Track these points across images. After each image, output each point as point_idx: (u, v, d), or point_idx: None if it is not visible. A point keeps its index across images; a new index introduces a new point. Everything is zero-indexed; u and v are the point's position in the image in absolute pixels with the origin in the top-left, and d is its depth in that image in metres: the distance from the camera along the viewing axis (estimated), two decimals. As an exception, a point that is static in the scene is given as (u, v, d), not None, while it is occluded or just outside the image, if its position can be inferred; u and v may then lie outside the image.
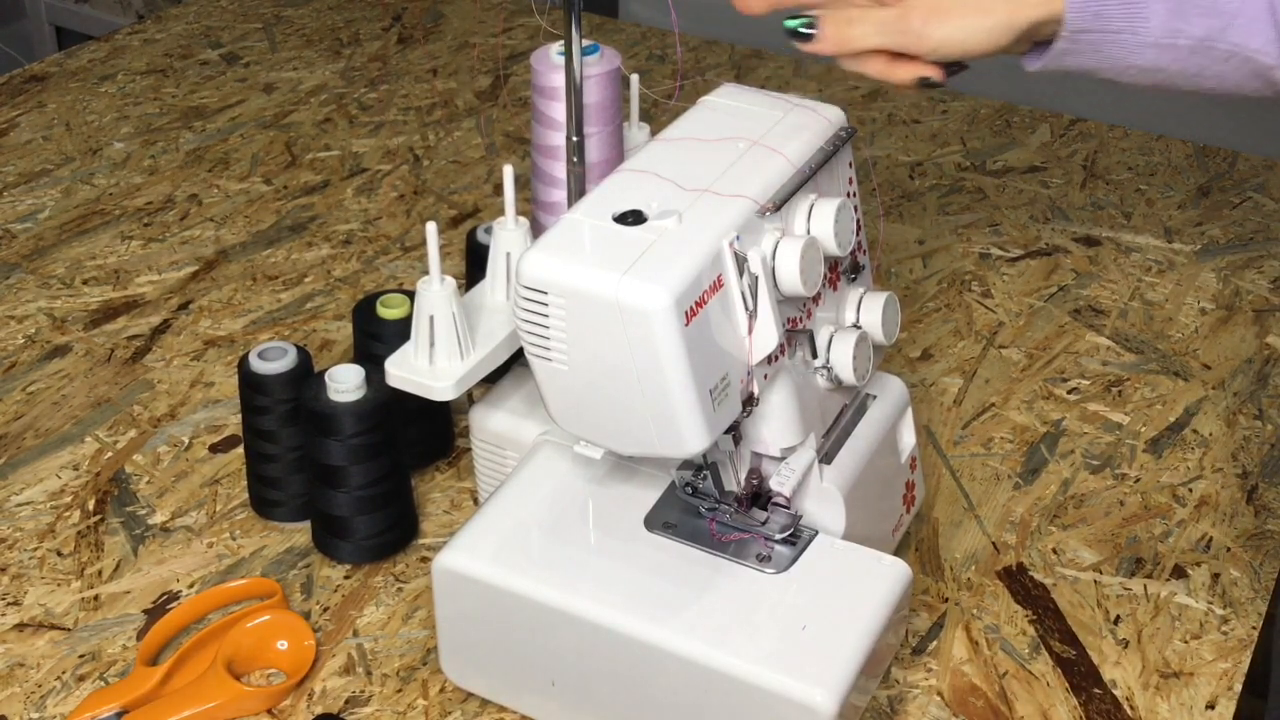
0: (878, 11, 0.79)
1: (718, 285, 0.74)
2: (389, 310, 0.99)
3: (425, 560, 0.97)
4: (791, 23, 0.80)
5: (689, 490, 0.85)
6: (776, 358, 0.81)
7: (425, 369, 0.89)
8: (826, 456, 0.87)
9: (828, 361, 0.84)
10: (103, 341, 1.18)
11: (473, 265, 1.08)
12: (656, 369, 0.73)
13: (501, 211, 0.92)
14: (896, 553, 0.91)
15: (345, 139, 1.48)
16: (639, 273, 0.72)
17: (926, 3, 0.78)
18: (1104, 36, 0.78)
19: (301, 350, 0.97)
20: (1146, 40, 0.77)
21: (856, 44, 0.80)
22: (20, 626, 0.92)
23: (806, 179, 0.81)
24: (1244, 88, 0.79)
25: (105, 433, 1.08)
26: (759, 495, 0.84)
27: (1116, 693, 0.88)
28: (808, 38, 0.80)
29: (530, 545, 0.83)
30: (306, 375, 0.96)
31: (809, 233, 0.80)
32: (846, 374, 0.84)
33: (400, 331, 0.94)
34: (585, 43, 0.87)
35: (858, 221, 0.85)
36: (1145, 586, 0.96)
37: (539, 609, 0.80)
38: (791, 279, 0.77)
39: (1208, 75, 0.79)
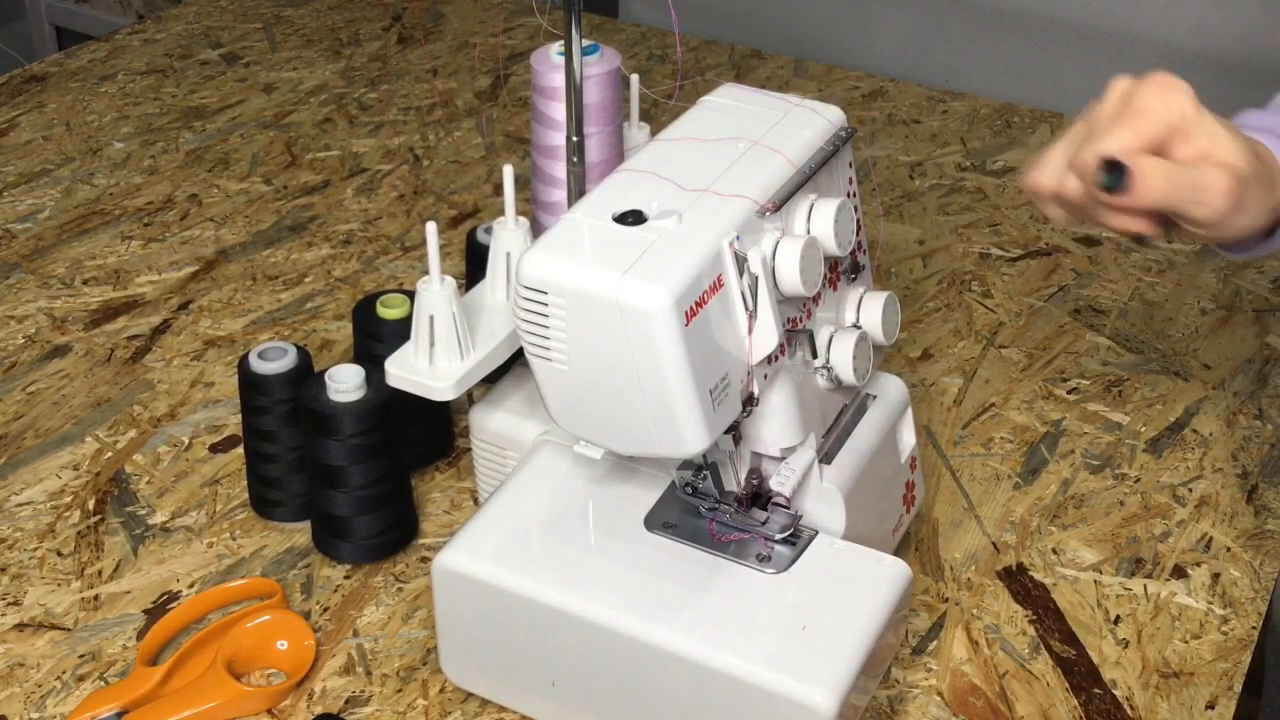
0: (1185, 173, 0.74)
1: (718, 285, 0.74)
2: (389, 310, 0.99)
3: (425, 560, 0.97)
4: (1106, 180, 0.75)
5: (689, 490, 0.85)
6: (776, 358, 0.81)
7: (425, 369, 0.89)
8: (826, 456, 0.87)
9: (828, 361, 0.84)
10: (103, 341, 1.18)
11: (473, 265, 1.08)
12: (656, 369, 0.73)
13: (501, 211, 0.92)
14: (896, 553, 0.91)
15: (345, 139, 1.48)
16: (639, 273, 0.72)
17: (1234, 178, 0.74)
18: None
19: (301, 350, 0.97)
20: None
21: (1161, 202, 0.75)
22: (20, 626, 0.92)
23: (806, 179, 0.81)
24: None
25: (105, 433, 1.08)
26: (759, 495, 0.84)
27: (1116, 693, 0.88)
28: (1119, 187, 0.75)
29: (530, 545, 0.83)
30: (306, 375, 0.96)
31: (809, 233, 0.80)
32: (846, 374, 0.84)
33: (400, 331, 0.94)
34: (585, 43, 0.87)
35: (858, 221, 0.85)
36: (1145, 586, 0.96)
37: (539, 609, 0.80)
38: (791, 279, 0.77)
39: None
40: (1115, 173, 0.74)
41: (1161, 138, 0.75)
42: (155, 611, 0.93)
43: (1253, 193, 0.75)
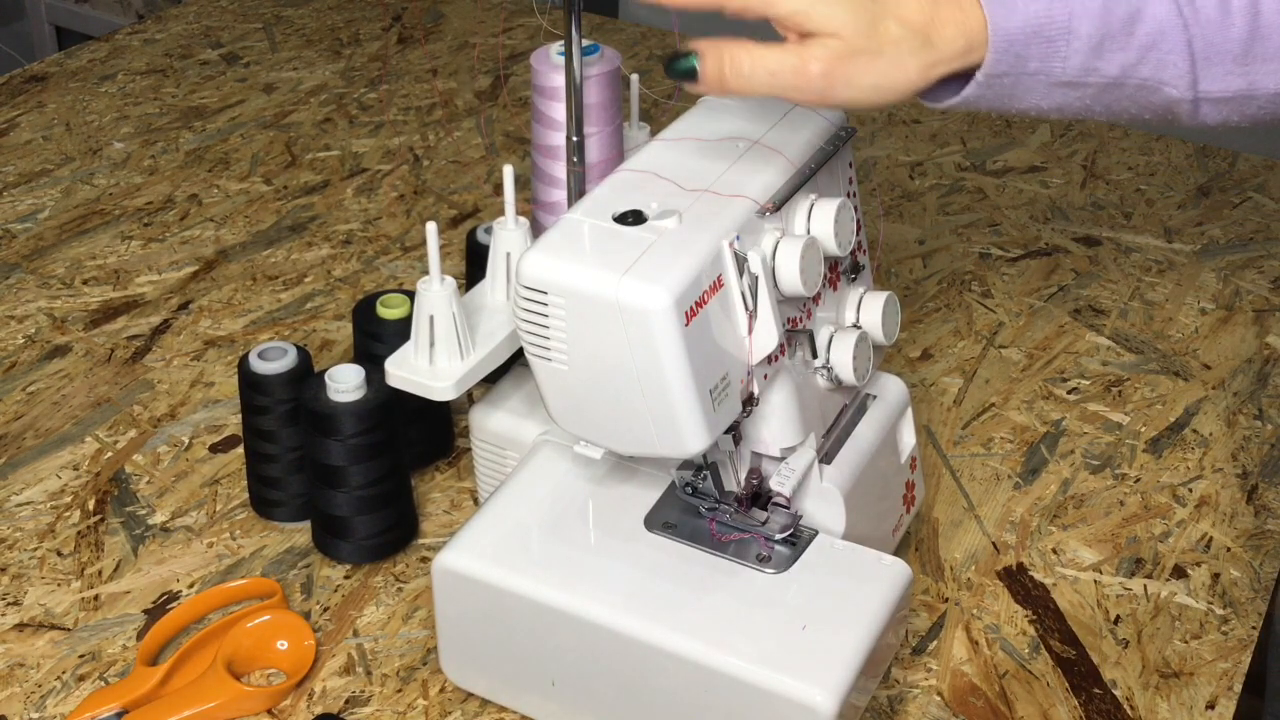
0: (772, 54, 0.71)
1: (718, 285, 0.74)
2: (389, 310, 0.99)
3: (425, 560, 0.97)
4: (677, 65, 0.72)
5: (689, 490, 0.85)
6: (776, 358, 0.81)
7: (425, 369, 0.89)
8: (826, 456, 0.87)
9: (828, 361, 0.84)
10: (103, 341, 1.18)
11: (473, 265, 1.08)
12: (656, 369, 0.73)
13: (501, 211, 0.92)
14: (896, 553, 0.91)
15: (345, 139, 1.48)
16: (639, 273, 0.72)
17: (829, 53, 0.69)
18: (1018, 79, 0.72)
19: (301, 350, 0.97)
20: (1060, 80, 0.72)
21: (744, 88, 0.71)
22: (20, 626, 0.92)
23: (806, 179, 0.81)
24: (1140, 116, 0.75)
25: (105, 433, 1.08)
26: (759, 495, 0.84)
27: (1116, 693, 0.88)
28: (691, 78, 0.72)
29: (530, 545, 0.83)
30: (306, 375, 0.96)
31: (809, 233, 0.80)
32: (846, 374, 0.84)
33: (400, 331, 0.94)
34: (585, 43, 0.87)
35: (858, 221, 0.85)
36: (1145, 586, 0.96)
37: (539, 609, 0.80)
38: (791, 279, 0.77)
39: (1106, 108, 0.74)
40: (685, 62, 0.71)
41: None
42: (155, 611, 0.93)
43: (864, 63, 0.70)
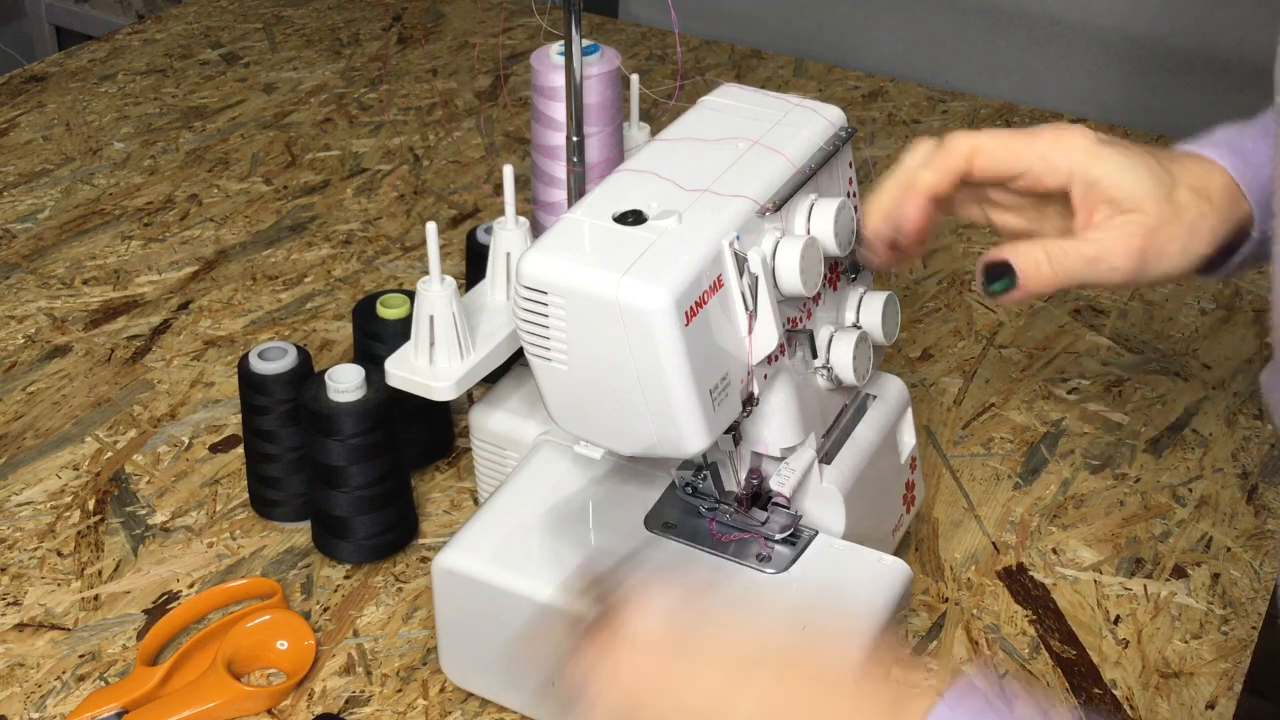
0: (1085, 242, 0.72)
1: (718, 285, 0.74)
2: (389, 310, 0.99)
3: (425, 560, 0.97)
4: (994, 286, 0.74)
5: (689, 490, 0.85)
6: (776, 358, 0.81)
7: (425, 369, 0.89)
8: (826, 456, 0.87)
9: (828, 361, 0.84)
10: (103, 341, 1.18)
11: (473, 265, 1.08)
12: (656, 369, 0.73)
13: (501, 211, 0.92)
14: (896, 553, 0.91)
15: (345, 139, 1.48)
16: (639, 273, 0.72)
17: (1139, 228, 0.71)
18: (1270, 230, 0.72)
19: (301, 350, 0.97)
20: None
21: (1063, 279, 0.73)
22: (20, 626, 0.92)
23: (806, 179, 0.81)
24: None
25: (105, 433, 1.08)
26: (759, 495, 0.84)
27: (1116, 693, 0.88)
28: (1012, 286, 0.73)
29: (530, 545, 0.83)
30: (306, 375, 0.96)
31: (809, 233, 0.80)
32: (846, 374, 0.84)
33: (400, 331, 0.94)
34: (585, 43, 0.87)
35: (858, 221, 0.85)
36: (1145, 586, 0.96)
37: (539, 609, 0.80)
38: (791, 279, 0.77)
39: None
40: (1001, 274, 0.73)
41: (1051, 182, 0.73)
42: (155, 611, 0.93)
43: (1170, 233, 0.71)
